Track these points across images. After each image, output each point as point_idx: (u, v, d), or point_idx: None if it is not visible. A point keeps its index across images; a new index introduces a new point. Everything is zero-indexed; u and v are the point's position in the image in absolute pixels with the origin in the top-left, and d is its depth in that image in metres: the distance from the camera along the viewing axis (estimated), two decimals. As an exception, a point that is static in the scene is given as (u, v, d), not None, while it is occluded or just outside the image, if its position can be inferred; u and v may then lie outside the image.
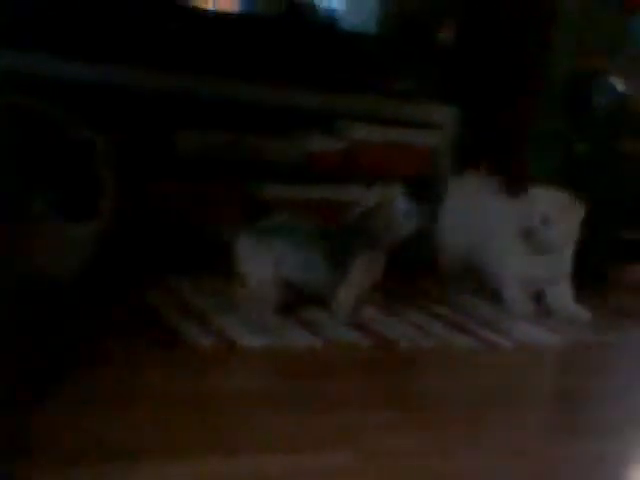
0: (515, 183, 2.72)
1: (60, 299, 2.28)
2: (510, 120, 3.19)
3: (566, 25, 3.05)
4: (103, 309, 2.30)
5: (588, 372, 2.39)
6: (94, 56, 2.59)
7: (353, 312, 2.40)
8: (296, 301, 2.42)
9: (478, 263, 2.76)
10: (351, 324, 2.37)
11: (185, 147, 2.74)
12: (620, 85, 3.08)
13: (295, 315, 2.39)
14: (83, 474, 1.46)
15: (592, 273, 3.13)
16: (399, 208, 2.35)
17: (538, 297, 2.75)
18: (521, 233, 2.59)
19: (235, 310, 2.33)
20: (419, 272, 2.88)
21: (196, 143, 2.76)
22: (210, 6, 2.84)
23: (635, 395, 2.24)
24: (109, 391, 1.79)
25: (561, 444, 1.84)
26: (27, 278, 2.26)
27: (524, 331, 2.57)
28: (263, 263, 2.30)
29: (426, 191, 2.52)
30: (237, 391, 1.91)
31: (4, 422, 1.55)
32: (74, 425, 1.62)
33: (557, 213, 2.58)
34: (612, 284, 3.24)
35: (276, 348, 2.18)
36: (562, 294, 2.74)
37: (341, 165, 2.96)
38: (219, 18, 2.83)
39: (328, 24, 3.00)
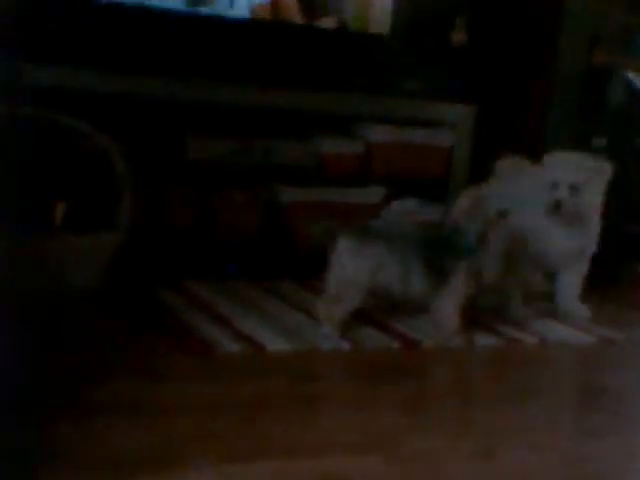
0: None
1: (82, 310, 2.28)
2: (526, 116, 3.18)
3: (579, 21, 3.05)
4: (127, 318, 2.30)
5: (614, 369, 2.39)
6: (106, 66, 2.58)
7: (455, 322, 2.36)
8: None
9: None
10: (456, 337, 2.35)
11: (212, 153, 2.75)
12: (636, 80, 3.07)
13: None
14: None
15: (608, 269, 3.13)
16: (491, 210, 2.30)
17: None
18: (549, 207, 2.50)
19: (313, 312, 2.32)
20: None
21: (210, 148, 2.76)
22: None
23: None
24: (140, 401, 1.79)
25: (592, 440, 1.85)
26: (48, 289, 2.26)
27: (550, 329, 2.56)
28: (359, 268, 2.25)
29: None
30: (268, 395, 1.90)
31: (26, 433, 1.55)
32: (106, 434, 1.63)
33: (585, 180, 2.50)
34: (628, 280, 3.24)
35: (304, 351, 2.18)
36: (570, 285, 2.69)
37: (358, 167, 2.95)
38: (233, 24, 2.83)
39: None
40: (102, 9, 2.65)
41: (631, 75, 3.07)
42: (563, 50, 3.10)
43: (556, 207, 2.49)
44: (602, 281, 3.05)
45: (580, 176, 2.50)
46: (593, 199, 2.55)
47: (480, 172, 2.73)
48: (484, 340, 2.40)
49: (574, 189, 2.50)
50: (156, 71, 2.65)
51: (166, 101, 2.67)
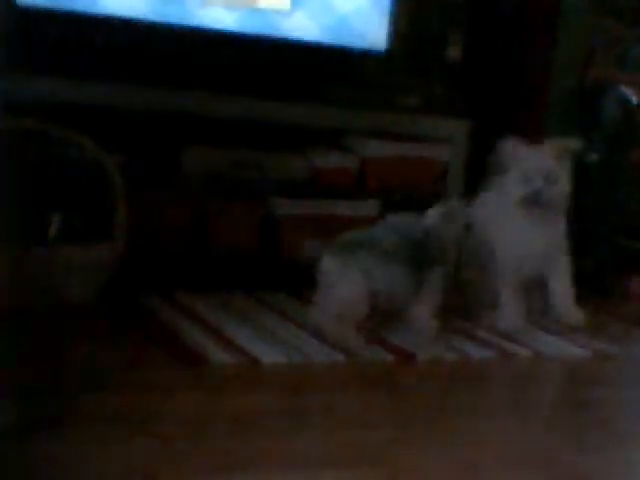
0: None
1: (77, 322, 2.28)
2: (521, 131, 3.19)
3: (573, 35, 3.07)
4: (121, 330, 2.29)
5: (609, 383, 2.39)
6: (101, 78, 2.59)
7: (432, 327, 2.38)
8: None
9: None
10: (437, 339, 2.38)
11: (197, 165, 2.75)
12: (631, 96, 3.08)
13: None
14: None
15: (602, 282, 3.13)
16: (459, 222, 2.34)
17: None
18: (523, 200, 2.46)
19: (311, 332, 2.33)
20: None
21: (204, 161, 2.76)
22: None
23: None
24: (132, 413, 1.78)
25: (585, 456, 1.84)
26: (45, 301, 2.26)
27: (544, 342, 2.56)
28: (353, 280, 2.26)
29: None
30: (262, 408, 1.90)
31: (23, 446, 1.54)
32: (99, 447, 1.62)
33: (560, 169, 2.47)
34: (621, 295, 3.24)
35: (299, 364, 2.17)
36: (563, 289, 2.64)
37: (353, 181, 2.95)
38: (224, 36, 2.83)
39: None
40: (96, 20, 2.65)
41: (625, 89, 3.08)
42: (557, 64, 3.11)
43: (533, 199, 2.46)
44: (596, 294, 3.06)
45: (555, 165, 2.46)
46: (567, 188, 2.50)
47: (474, 186, 2.73)
48: (478, 353, 2.40)
49: (549, 179, 2.46)
50: (151, 83, 2.65)
51: (161, 113, 2.67)
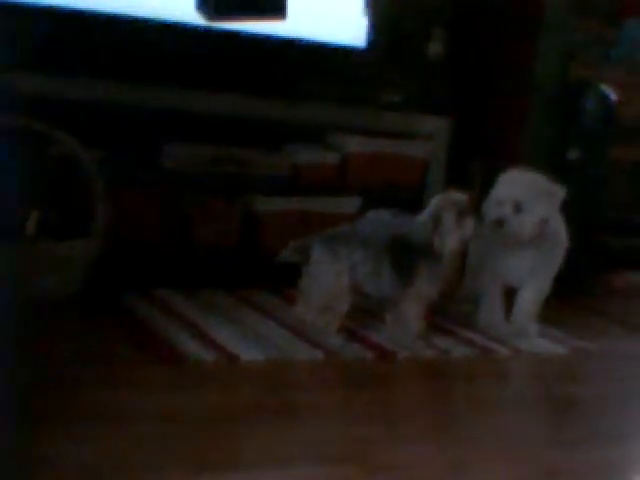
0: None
1: (55, 318, 2.27)
2: (502, 128, 3.20)
3: (555, 33, 3.08)
4: (100, 327, 2.28)
5: (588, 380, 2.40)
6: (80, 73, 2.57)
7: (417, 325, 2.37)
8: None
9: None
10: (421, 337, 2.37)
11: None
12: (611, 93, 3.10)
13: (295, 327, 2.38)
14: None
15: (582, 280, 3.14)
16: (448, 219, 2.32)
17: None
18: (490, 225, 2.42)
19: (297, 324, 2.33)
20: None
21: (185, 157, 2.75)
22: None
23: (636, 403, 2.26)
24: (113, 410, 1.77)
25: (566, 452, 1.85)
26: (23, 297, 2.24)
27: (524, 340, 2.55)
28: (339, 272, 2.27)
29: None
30: (242, 406, 1.89)
31: (7, 439, 1.53)
32: (80, 444, 1.61)
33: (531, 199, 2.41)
34: (603, 292, 3.25)
35: (278, 361, 2.17)
36: (526, 303, 2.57)
37: (334, 177, 2.95)
38: (204, 32, 2.82)
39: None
40: (74, 16, 2.64)
41: (606, 87, 3.10)
42: (539, 61, 3.12)
43: (498, 224, 2.42)
44: (576, 292, 3.07)
45: (526, 194, 2.41)
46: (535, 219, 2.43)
47: (455, 183, 2.74)
48: (458, 351, 2.40)
49: (518, 207, 2.41)
50: (131, 78, 2.64)
51: (141, 109, 2.66)
